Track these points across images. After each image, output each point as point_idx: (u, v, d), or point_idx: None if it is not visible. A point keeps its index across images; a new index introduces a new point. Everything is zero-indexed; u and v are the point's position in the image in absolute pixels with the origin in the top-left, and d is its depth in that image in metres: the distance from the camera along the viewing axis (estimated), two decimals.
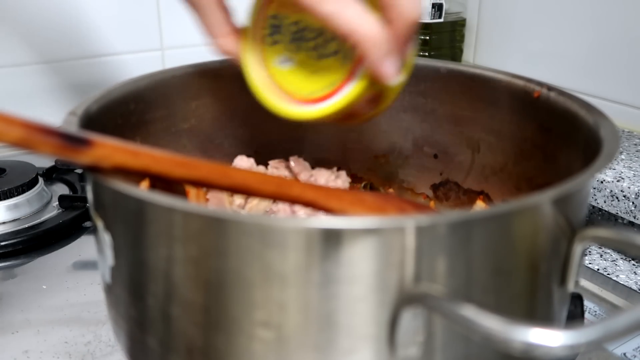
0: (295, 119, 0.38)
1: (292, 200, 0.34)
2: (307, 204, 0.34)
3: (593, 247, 0.55)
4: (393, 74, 0.34)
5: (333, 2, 0.32)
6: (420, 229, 0.25)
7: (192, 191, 0.43)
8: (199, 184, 0.32)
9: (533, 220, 0.28)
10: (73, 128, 0.33)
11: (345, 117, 0.39)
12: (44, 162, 0.63)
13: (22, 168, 0.60)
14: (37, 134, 0.26)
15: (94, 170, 0.28)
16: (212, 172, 0.31)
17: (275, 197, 0.34)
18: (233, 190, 0.33)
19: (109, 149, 0.28)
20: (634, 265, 0.53)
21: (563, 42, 0.78)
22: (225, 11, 0.39)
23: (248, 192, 0.33)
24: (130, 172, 0.29)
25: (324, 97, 0.37)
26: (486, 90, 0.45)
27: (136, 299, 0.30)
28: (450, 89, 0.47)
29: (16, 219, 0.56)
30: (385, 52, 0.33)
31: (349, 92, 0.36)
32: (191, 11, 0.39)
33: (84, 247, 0.54)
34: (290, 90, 0.39)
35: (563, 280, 0.30)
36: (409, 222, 0.25)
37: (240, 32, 0.40)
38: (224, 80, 0.46)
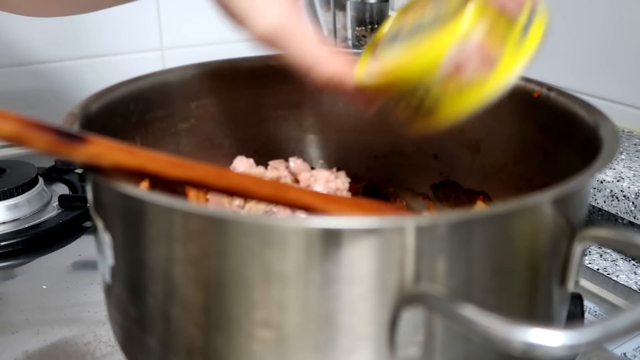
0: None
1: (290, 204, 0.34)
2: (304, 207, 0.34)
3: (593, 247, 0.55)
4: None
5: None
6: (420, 229, 0.25)
7: (192, 192, 0.43)
8: (195, 184, 0.32)
9: (533, 220, 0.28)
10: (69, 126, 0.33)
11: (454, 69, 0.31)
12: (44, 162, 0.63)
13: (22, 168, 0.60)
14: (31, 129, 0.26)
15: (93, 169, 0.28)
16: (209, 173, 0.31)
17: (272, 200, 0.34)
18: (230, 192, 0.33)
19: (104, 147, 0.28)
20: (634, 265, 0.53)
21: (563, 42, 0.78)
22: (315, 34, 0.35)
23: (245, 195, 0.33)
24: (126, 171, 0.29)
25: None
26: None
27: (136, 299, 0.30)
28: None
29: (16, 219, 0.56)
30: None
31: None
32: (279, 47, 0.34)
33: (84, 247, 0.54)
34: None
35: (563, 280, 0.30)
36: (409, 222, 0.25)
37: (339, 52, 0.35)
38: (224, 80, 0.46)
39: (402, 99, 0.34)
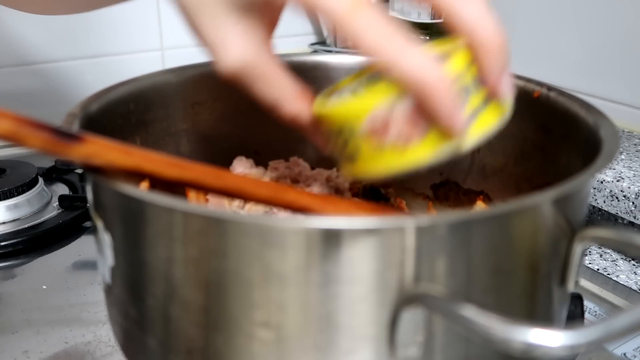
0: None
1: (288, 206, 0.34)
2: (302, 209, 0.34)
3: (593, 247, 0.55)
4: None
5: None
6: (420, 229, 0.25)
7: (192, 192, 0.43)
8: (193, 185, 0.32)
9: (533, 220, 0.28)
10: (69, 126, 0.33)
11: (378, 127, 0.30)
12: (44, 162, 0.63)
13: (22, 168, 0.60)
14: (27, 127, 0.26)
15: (93, 169, 0.28)
16: (206, 174, 0.31)
17: (270, 202, 0.34)
18: (227, 193, 0.33)
19: (100, 146, 0.28)
20: (634, 265, 0.53)
21: (563, 42, 0.78)
22: (287, 72, 0.34)
23: (242, 196, 0.33)
24: (123, 171, 0.29)
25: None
26: None
27: (136, 299, 0.30)
28: None
29: (16, 219, 0.56)
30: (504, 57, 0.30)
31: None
32: (244, 84, 0.33)
33: (84, 247, 0.54)
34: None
35: (563, 280, 0.30)
36: (409, 222, 0.25)
37: (307, 92, 0.35)
38: (223, 80, 0.46)
39: (332, 138, 0.33)
